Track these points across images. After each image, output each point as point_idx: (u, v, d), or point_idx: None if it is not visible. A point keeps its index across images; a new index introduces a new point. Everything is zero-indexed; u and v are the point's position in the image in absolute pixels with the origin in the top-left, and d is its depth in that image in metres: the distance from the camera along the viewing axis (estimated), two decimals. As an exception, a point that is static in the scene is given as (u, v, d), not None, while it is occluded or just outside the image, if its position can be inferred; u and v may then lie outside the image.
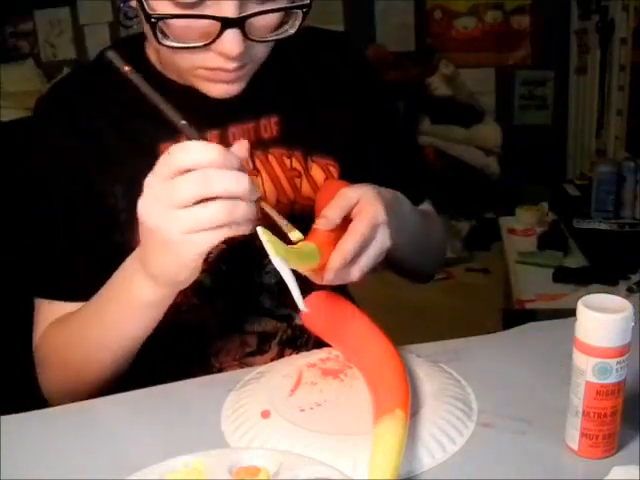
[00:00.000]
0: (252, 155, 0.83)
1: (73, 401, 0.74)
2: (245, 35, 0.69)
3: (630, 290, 1.83)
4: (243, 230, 0.63)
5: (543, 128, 3.92)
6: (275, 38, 0.73)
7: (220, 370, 0.86)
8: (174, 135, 0.78)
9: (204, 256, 0.64)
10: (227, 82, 0.74)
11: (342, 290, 0.94)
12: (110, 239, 0.81)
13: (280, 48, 0.84)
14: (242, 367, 0.85)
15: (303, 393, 0.67)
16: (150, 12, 0.68)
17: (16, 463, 0.63)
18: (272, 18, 0.71)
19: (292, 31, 0.72)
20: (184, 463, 0.55)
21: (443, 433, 0.61)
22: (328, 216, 0.69)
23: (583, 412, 0.58)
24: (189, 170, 0.60)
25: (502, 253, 2.39)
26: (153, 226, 0.62)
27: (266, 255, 0.83)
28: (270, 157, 0.84)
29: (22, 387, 0.89)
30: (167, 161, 0.61)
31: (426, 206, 0.98)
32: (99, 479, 0.60)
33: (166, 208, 0.61)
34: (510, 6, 3.88)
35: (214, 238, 0.62)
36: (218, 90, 0.75)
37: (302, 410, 0.64)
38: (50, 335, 0.81)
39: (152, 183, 0.62)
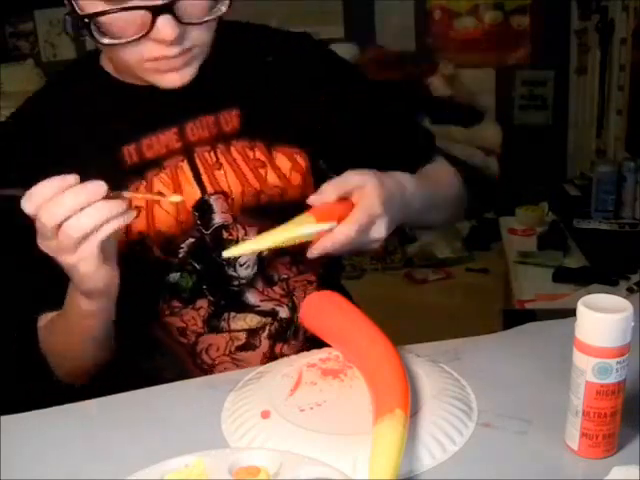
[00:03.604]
0: (214, 148, 0.85)
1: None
2: (178, 20, 0.70)
3: (630, 290, 1.83)
4: (113, 226, 0.66)
5: (543, 128, 3.92)
6: (210, 18, 0.74)
7: (212, 365, 0.86)
8: (136, 140, 0.82)
9: (98, 259, 0.67)
10: (176, 70, 0.76)
11: (338, 288, 0.94)
12: None
13: (237, 41, 0.86)
14: (234, 362, 0.86)
15: (303, 393, 0.67)
16: (80, 13, 0.70)
17: (16, 463, 0.63)
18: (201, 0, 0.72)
19: (224, 9, 0.74)
20: (184, 463, 0.55)
21: (443, 433, 0.61)
22: (323, 192, 0.73)
23: (583, 412, 0.58)
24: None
25: (502, 253, 2.39)
26: (54, 256, 0.68)
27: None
28: (232, 150, 0.85)
29: (23, 386, 0.89)
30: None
31: (436, 163, 0.98)
32: (99, 479, 0.60)
33: (48, 242, 0.67)
34: (510, 6, 3.88)
35: (91, 245, 0.66)
36: (169, 80, 0.77)
37: (302, 410, 0.64)
38: (41, 328, 0.86)
39: (38, 235, 0.68)
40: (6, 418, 0.69)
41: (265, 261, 0.87)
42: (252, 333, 0.87)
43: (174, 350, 0.87)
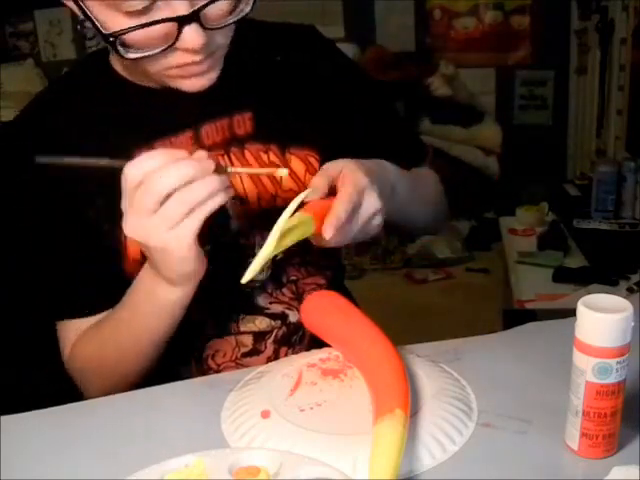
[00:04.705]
0: (228, 152, 0.84)
1: None
2: (203, 26, 0.69)
3: (630, 290, 1.83)
4: (219, 201, 0.67)
5: (543, 128, 3.92)
6: (234, 20, 0.72)
7: (217, 371, 0.86)
8: (149, 144, 0.80)
9: (194, 240, 0.67)
10: (200, 74, 0.75)
11: (342, 290, 0.94)
12: (98, 248, 0.82)
13: (248, 43, 0.85)
14: (239, 367, 0.86)
15: (303, 393, 0.67)
16: (105, 32, 0.68)
17: (16, 463, 0.63)
18: (225, 3, 0.70)
19: (247, 9, 0.72)
20: (184, 463, 0.55)
21: (443, 433, 0.61)
22: (314, 186, 0.72)
23: (583, 412, 0.58)
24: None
25: (502, 253, 2.40)
26: (146, 239, 0.67)
27: (253, 253, 0.84)
28: (247, 153, 0.84)
29: (23, 387, 0.89)
30: (145, 192, 0.65)
31: (422, 168, 0.99)
32: (99, 479, 0.60)
33: (146, 219, 0.66)
34: (510, 6, 3.88)
35: (194, 221, 0.66)
36: (192, 84, 0.76)
37: (302, 410, 0.64)
38: (81, 348, 0.84)
39: (133, 210, 0.66)
40: (6, 418, 0.69)
41: (279, 265, 0.87)
42: (258, 338, 0.87)
43: (178, 355, 0.87)
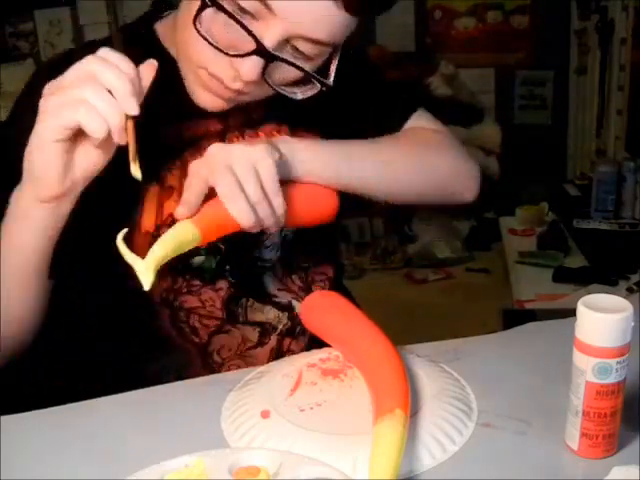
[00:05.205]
0: (243, 134, 0.84)
1: None
2: (264, 72, 0.70)
3: (630, 290, 1.83)
4: (98, 128, 0.62)
5: (543, 128, 3.92)
6: (283, 91, 0.74)
7: (222, 365, 0.86)
8: (180, 119, 0.80)
9: (59, 137, 0.64)
10: (218, 96, 0.75)
11: (342, 289, 0.94)
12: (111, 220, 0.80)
13: None
14: (242, 358, 0.86)
15: (303, 393, 0.67)
16: None
17: (16, 463, 0.63)
18: (292, 74, 0.72)
19: (300, 97, 0.74)
20: (184, 463, 0.55)
21: (443, 433, 0.61)
22: (182, 202, 0.70)
23: (583, 412, 0.58)
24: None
25: (502, 253, 2.40)
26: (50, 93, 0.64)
27: (262, 239, 0.85)
28: (261, 134, 0.85)
29: (23, 387, 0.89)
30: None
31: (420, 122, 0.95)
32: (99, 479, 0.60)
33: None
34: (510, 6, 3.88)
35: (73, 115, 0.62)
36: (205, 99, 0.76)
37: (302, 410, 0.64)
38: None
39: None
40: (6, 418, 0.69)
41: (288, 244, 0.87)
42: (265, 332, 0.87)
43: (183, 350, 0.86)
